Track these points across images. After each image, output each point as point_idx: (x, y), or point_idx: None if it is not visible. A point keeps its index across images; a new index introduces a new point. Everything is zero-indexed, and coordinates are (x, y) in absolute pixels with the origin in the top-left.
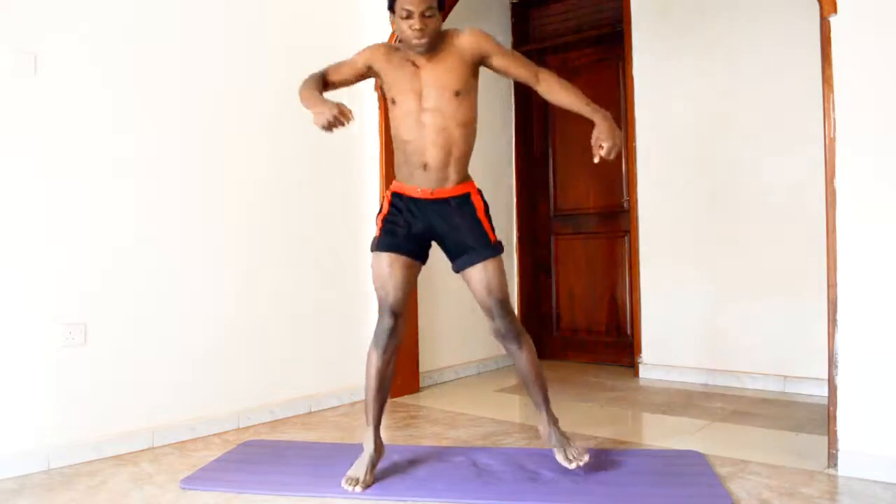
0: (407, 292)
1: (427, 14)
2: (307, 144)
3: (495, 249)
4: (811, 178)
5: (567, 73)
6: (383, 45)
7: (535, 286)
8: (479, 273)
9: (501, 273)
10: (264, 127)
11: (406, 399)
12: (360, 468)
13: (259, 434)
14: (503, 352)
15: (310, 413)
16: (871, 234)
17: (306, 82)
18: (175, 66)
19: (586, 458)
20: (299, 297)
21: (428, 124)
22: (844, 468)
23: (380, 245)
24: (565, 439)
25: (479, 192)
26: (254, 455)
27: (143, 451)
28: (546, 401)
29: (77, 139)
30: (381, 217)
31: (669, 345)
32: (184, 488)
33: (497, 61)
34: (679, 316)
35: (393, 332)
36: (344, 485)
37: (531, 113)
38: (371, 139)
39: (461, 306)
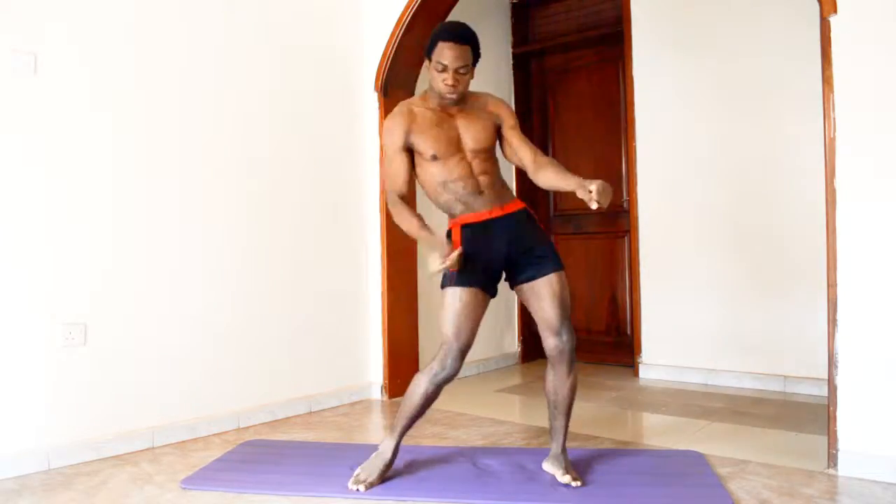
0: (475, 331)
1: (461, 71)
2: (307, 145)
3: (562, 263)
4: (811, 178)
5: (567, 73)
6: (401, 113)
7: None
8: (549, 285)
9: (568, 289)
10: (264, 127)
11: None
12: (372, 471)
13: (259, 434)
14: (503, 352)
15: (310, 413)
16: (871, 234)
17: (401, 217)
18: (175, 66)
19: (579, 483)
20: (299, 298)
21: (472, 162)
22: (844, 468)
23: (455, 281)
24: (569, 464)
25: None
26: (254, 455)
27: (143, 451)
28: (566, 431)
29: (77, 139)
30: (452, 251)
31: (669, 345)
32: (184, 488)
33: (508, 132)
34: (679, 316)
35: (456, 373)
36: (351, 484)
37: (531, 113)
38: (371, 139)
39: None
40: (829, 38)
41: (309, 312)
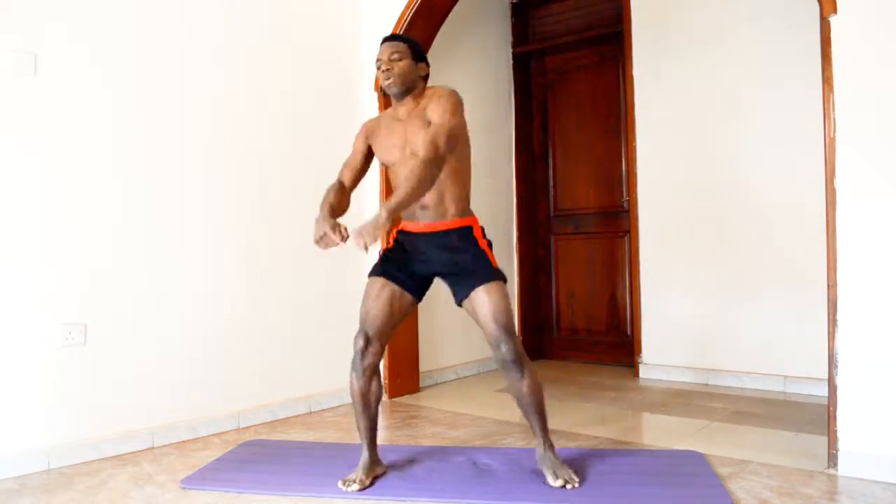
0: (385, 320)
1: (393, 58)
2: (308, 145)
3: (498, 274)
4: (811, 177)
5: (567, 73)
6: (373, 118)
7: (535, 286)
8: (482, 297)
9: (505, 297)
10: (264, 127)
11: (406, 399)
12: (357, 471)
13: (259, 434)
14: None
15: (310, 413)
16: (871, 234)
17: (325, 193)
18: (175, 66)
19: (576, 482)
20: (299, 298)
21: None
22: (844, 468)
23: (374, 270)
24: (558, 462)
25: (482, 228)
26: (254, 455)
27: (143, 451)
28: (544, 429)
29: (77, 139)
30: (382, 249)
31: (670, 345)
32: (184, 488)
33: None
34: (679, 316)
35: (364, 353)
36: (340, 484)
37: (531, 113)
38: None
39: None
40: (829, 38)
41: (309, 312)
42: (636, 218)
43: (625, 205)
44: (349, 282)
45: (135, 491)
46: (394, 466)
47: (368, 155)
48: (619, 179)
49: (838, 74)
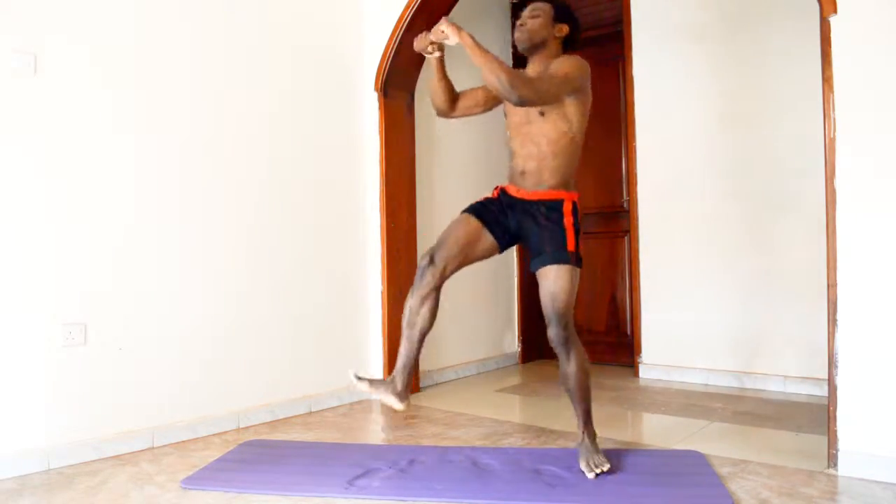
0: (458, 249)
1: (531, 15)
2: (308, 145)
3: (569, 258)
4: (811, 178)
5: None
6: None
7: (535, 286)
8: (546, 278)
9: (568, 283)
10: (265, 127)
11: None
12: (377, 384)
13: (259, 434)
14: (503, 352)
15: (310, 413)
16: (871, 234)
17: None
18: (175, 66)
19: (606, 466)
20: (299, 297)
21: (524, 138)
22: (844, 468)
23: (468, 208)
24: (594, 449)
25: (575, 203)
26: (254, 455)
27: (143, 451)
28: (586, 415)
29: (77, 139)
30: (484, 197)
31: (669, 345)
32: (184, 488)
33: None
34: (679, 316)
35: (423, 273)
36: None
37: None
38: (371, 139)
39: (462, 306)
40: (829, 38)
41: (309, 312)
42: (636, 218)
43: (625, 205)
44: (350, 281)
45: (135, 491)
46: (395, 466)
47: (488, 99)
48: (619, 179)
49: (838, 74)
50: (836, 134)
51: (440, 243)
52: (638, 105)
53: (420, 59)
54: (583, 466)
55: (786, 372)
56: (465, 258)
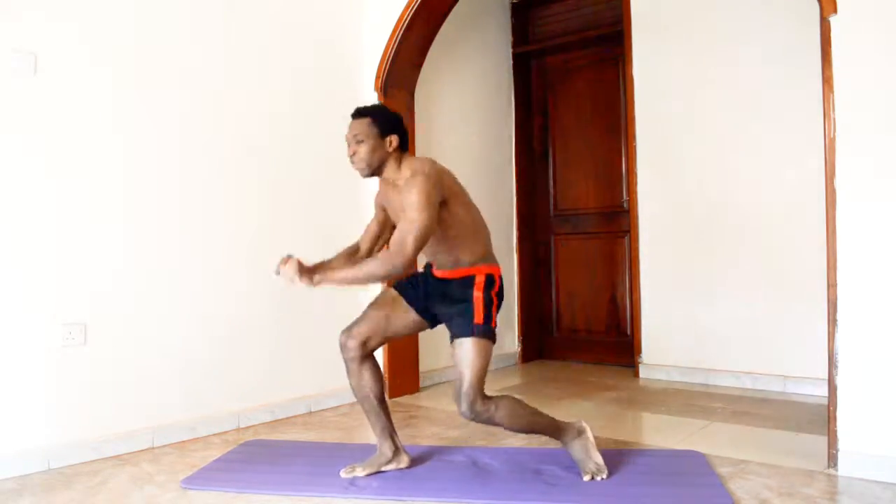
0: (375, 324)
1: (356, 141)
2: (308, 145)
3: (475, 330)
4: (811, 178)
5: (567, 73)
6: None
7: (535, 286)
8: (456, 350)
9: (476, 356)
10: (265, 127)
11: (406, 399)
12: (366, 462)
13: (259, 434)
14: (503, 352)
15: (310, 413)
16: (871, 234)
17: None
18: (175, 66)
19: (604, 475)
20: (299, 297)
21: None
22: (844, 468)
23: (394, 284)
24: (586, 452)
25: (490, 277)
26: (254, 455)
27: (143, 451)
28: (551, 430)
29: (77, 139)
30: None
31: (670, 345)
32: (184, 488)
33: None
34: (679, 316)
35: (345, 347)
36: (342, 472)
37: (531, 113)
38: None
39: None
40: (829, 38)
41: (309, 312)
42: (636, 218)
43: (625, 205)
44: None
45: (135, 491)
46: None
47: (386, 217)
48: (619, 179)
49: (838, 74)
50: (836, 134)
51: (359, 319)
52: (638, 105)
53: (420, 60)
54: (584, 473)
55: (786, 372)
56: (385, 329)
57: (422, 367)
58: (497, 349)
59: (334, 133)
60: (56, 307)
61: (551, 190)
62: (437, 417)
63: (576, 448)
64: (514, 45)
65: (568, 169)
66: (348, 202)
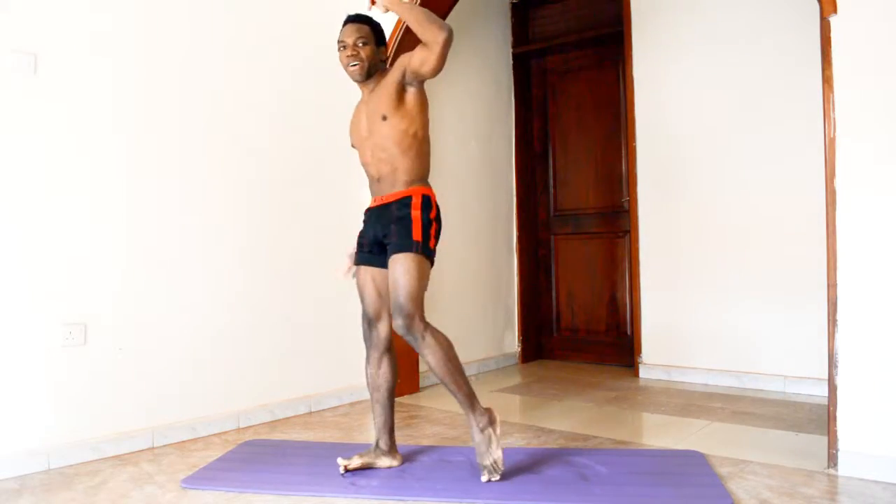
0: (376, 299)
1: (359, 43)
2: (308, 145)
3: (413, 247)
4: (811, 177)
5: (567, 73)
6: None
7: (535, 286)
8: (390, 266)
9: (411, 270)
10: (264, 127)
11: (406, 399)
12: (363, 454)
13: (259, 434)
14: (503, 352)
15: (310, 413)
16: (872, 234)
17: None
18: (175, 67)
19: (497, 476)
20: (299, 298)
21: (373, 148)
22: (844, 468)
23: (354, 259)
24: (491, 441)
25: (426, 197)
26: (254, 455)
27: (143, 451)
28: (469, 400)
29: (77, 139)
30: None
31: (669, 345)
32: (184, 488)
33: (411, 66)
34: (679, 316)
35: (369, 336)
36: (339, 459)
37: (531, 113)
38: None
39: (460, 306)
40: (829, 38)
41: (309, 312)
42: (636, 218)
43: (625, 205)
44: (349, 282)
45: (135, 491)
46: (397, 466)
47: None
48: (619, 179)
49: (838, 74)
50: (836, 134)
51: (363, 304)
52: (638, 105)
53: None
54: (481, 468)
55: (786, 372)
56: (385, 294)
57: (422, 368)
58: (497, 349)
59: (334, 134)
60: (56, 307)
61: (551, 190)
62: (437, 417)
63: (480, 436)
64: (514, 45)
65: (568, 169)
66: (348, 202)
